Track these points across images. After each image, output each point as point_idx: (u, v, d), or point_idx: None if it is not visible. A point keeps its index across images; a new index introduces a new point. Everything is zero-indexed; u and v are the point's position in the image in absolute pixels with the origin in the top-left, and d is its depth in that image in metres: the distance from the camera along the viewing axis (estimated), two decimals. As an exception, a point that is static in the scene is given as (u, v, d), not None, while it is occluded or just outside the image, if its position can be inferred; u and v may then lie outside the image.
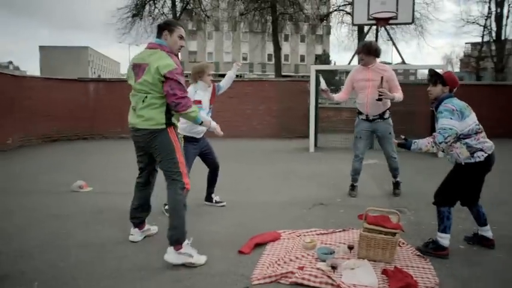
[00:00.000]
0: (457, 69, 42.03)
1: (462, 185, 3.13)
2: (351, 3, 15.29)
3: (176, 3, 21.15)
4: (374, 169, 6.56)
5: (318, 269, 2.73)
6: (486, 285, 2.66)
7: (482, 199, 3.28)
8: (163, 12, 20.91)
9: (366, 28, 14.21)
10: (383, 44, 19.08)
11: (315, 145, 9.21)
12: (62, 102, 11.01)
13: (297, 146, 9.79)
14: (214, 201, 4.52)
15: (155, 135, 2.95)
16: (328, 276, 2.62)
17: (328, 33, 38.05)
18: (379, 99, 4.43)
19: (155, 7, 20.90)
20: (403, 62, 11.27)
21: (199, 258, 2.93)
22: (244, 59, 54.24)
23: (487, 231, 3.25)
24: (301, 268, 2.78)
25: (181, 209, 2.95)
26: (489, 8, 24.98)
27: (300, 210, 4.34)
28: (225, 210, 4.37)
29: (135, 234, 3.41)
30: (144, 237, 3.46)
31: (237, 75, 4.83)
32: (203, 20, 23.06)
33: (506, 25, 24.62)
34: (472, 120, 3.02)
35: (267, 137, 11.51)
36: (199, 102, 3.93)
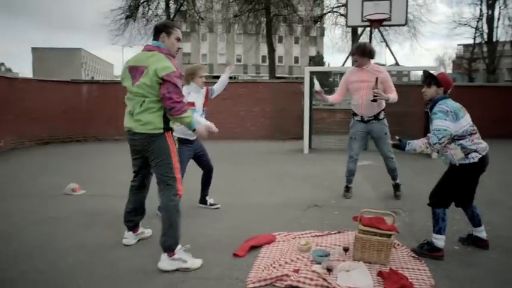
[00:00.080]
0: (449, 70, 42.40)
1: (457, 186, 3.14)
2: (345, 5, 15.34)
3: (170, 4, 21.11)
4: (368, 170, 6.57)
5: (313, 271, 2.72)
6: (481, 286, 2.66)
7: (477, 200, 3.29)
8: (157, 14, 20.84)
9: (359, 30, 14.24)
10: (376, 46, 19.12)
11: (309, 146, 9.21)
12: (55, 104, 10.91)
13: (291, 147, 9.78)
14: (208, 203, 4.50)
15: (153, 139, 2.91)
16: (324, 279, 2.61)
17: (322, 34, 38.23)
18: (374, 100, 4.44)
19: (149, 9, 20.83)
20: (397, 64, 11.32)
21: (194, 262, 2.90)
22: (238, 60, 54.30)
23: (481, 232, 3.27)
24: (296, 271, 2.76)
25: (175, 215, 2.91)
26: (480, 10, 25.30)
27: (294, 212, 4.33)
28: (220, 213, 4.34)
29: (129, 238, 3.37)
30: (138, 240, 3.43)
31: (231, 77, 4.82)
32: (197, 21, 23.02)
33: (497, 27, 24.95)
34: (466, 121, 3.02)
35: (261, 138, 11.50)
36: (192, 104, 3.91)
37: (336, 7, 22.81)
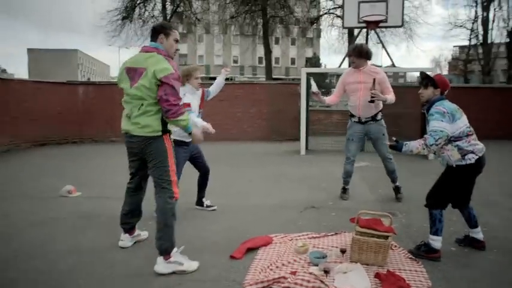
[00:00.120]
0: (445, 72, 42.55)
1: (453, 187, 3.14)
2: (341, 7, 15.37)
3: (166, 6, 21.07)
4: (365, 172, 6.57)
5: (310, 273, 2.71)
6: (478, 287, 2.67)
7: (473, 201, 3.30)
8: (154, 15, 20.79)
9: (356, 31, 14.27)
10: (373, 47, 19.12)
11: (306, 148, 9.21)
12: (50, 105, 10.85)
13: (287, 148, 9.78)
14: (205, 205, 4.48)
15: (150, 141, 2.90)
16: (321, 281, 2.60)
17: (319, 36, 38.31)
18: (372, 101, 4.44)
19: (145, 10, 20.77)
20: (393, 65, 11.34)
21: (191, 265, 2.89)
22: (235, 61, 54.28)
23: (478, 233, 3.27)
24: (293, 273, 2.75)
25: (170, 218, 2.90)
26: (476, 12, 25.39)
27: (291, 214, 4.32)
28: (216, 214, 4.33)
29: (125, 240, 3.35)
30: (134, 242, 3.41)
31: (227, 78, 4.81)
32: (193, 22, 22.97)
33: (492, 29, 25.04)
34: (463, 122, 3.03)
35: (257, 139, 11.49)
36: (188, 105, 3.89)
37: (333, 8, 22.86)
